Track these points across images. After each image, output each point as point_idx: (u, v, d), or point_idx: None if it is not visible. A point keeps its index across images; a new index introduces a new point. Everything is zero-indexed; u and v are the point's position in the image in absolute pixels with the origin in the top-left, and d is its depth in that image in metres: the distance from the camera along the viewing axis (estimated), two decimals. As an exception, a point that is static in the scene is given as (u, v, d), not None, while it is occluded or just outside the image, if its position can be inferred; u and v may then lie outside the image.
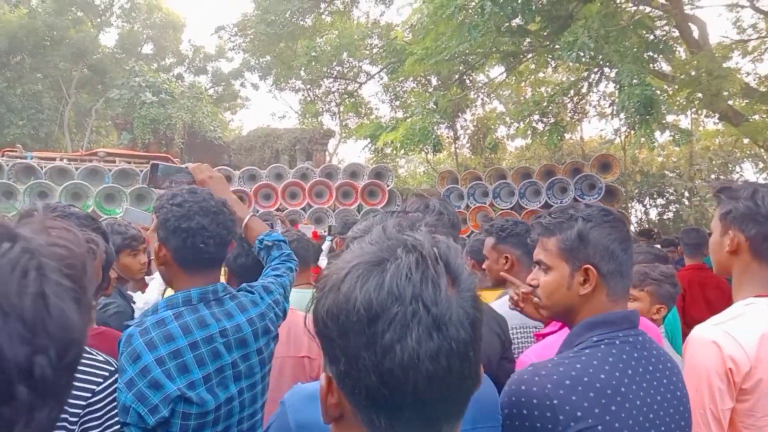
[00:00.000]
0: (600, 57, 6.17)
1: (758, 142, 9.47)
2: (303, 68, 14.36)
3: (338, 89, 16.43)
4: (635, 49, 6.16)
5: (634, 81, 5.53)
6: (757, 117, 8.63)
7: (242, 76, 23.06)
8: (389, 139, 7.43)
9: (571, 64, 8.47)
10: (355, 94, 15.78)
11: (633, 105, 5.51)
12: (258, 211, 11.04)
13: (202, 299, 1.75)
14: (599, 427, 1.19)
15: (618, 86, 5.95)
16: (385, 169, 11.75)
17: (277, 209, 11.05)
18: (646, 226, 23.04)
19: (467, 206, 11.21)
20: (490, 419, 1.25)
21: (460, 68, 11.17)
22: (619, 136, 19.94)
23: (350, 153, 70.88)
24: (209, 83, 23.47)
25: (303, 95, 17.52)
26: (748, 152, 20.40)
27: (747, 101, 8.75)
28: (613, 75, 6.84)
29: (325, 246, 5.53)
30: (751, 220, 1.64)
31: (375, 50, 15.59)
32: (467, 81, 15.07)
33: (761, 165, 24.06)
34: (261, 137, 18.95)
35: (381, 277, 0.71)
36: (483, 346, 2.03)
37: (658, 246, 6.37)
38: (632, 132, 5.89)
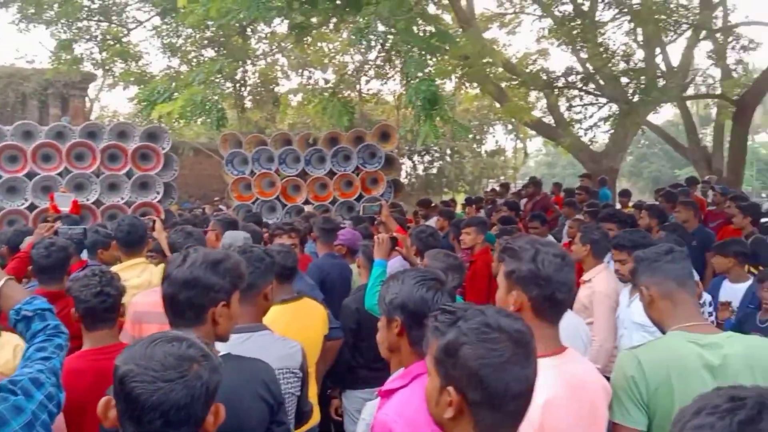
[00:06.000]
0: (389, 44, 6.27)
1: (516, 119, 10.71)
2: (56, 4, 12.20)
3: (101, 30, 14.36)
4: (422, 39, 6.38)
5: (419, 75, 5.76)
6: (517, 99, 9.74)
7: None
8: (165, 111, 6.67)
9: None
10: (121, 39, 13.95)
11: (420, 100, 5.76)
12: (1, 177, 9.37)
13: None
14: None
15: (405, 79, 6.16)
16: (160, 129, 10.68)
17: (26, 174, 9.43)
18: (414, 180, 25.13)
19: (252, 172, 10.84)
20: None
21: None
22: (395, 97, 21.15)
23: (116, 100, 63.02)
24: None
25: (56, 31, 14.95)
26: (500, 116, 23.14)
27: (508, 83, 9.84)
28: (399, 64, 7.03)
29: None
30: (532, 282, 1.73)
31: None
32: (249, 30, 14.28)
33: (510, 127, 27.64)
34: (3, 78, 16.01)
35: None
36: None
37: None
38: (420, 122, 6.21)
